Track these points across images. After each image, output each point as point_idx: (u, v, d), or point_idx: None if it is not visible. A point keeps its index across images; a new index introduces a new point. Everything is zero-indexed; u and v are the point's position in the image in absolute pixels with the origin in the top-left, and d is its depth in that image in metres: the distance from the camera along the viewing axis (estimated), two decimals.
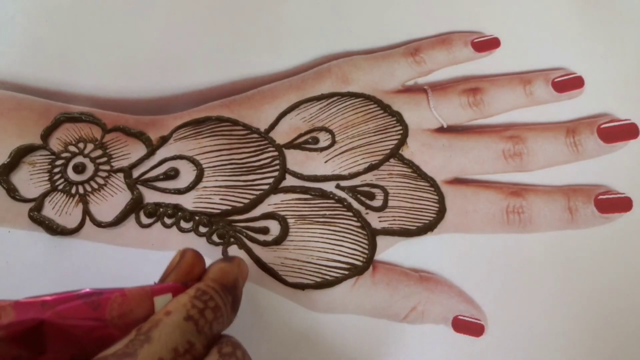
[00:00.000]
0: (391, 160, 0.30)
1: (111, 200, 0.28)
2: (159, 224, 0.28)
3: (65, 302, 0.17)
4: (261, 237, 0.28)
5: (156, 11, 0.34)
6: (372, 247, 0.28)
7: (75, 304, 0.17)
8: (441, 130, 0.31)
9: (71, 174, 0.29)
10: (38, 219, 0.28)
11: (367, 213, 0.29)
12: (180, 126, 0.30)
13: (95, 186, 0.28)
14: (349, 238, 0.29)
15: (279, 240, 0.28)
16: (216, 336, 0.19)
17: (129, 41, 0.33)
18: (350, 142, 0.30)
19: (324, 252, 0.28)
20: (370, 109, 0.31)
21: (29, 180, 0.28)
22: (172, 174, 0.29)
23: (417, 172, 0.30)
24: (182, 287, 0.19)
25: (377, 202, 0.29)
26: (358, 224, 0.29)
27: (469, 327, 0.28)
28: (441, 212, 0.29)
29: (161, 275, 0.21)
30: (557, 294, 0.29)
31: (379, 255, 0.29)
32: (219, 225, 0.28)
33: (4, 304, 0.16)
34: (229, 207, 0.28)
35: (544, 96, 0.31)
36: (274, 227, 0.28)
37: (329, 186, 0.29)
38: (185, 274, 0.20)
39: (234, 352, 0.18)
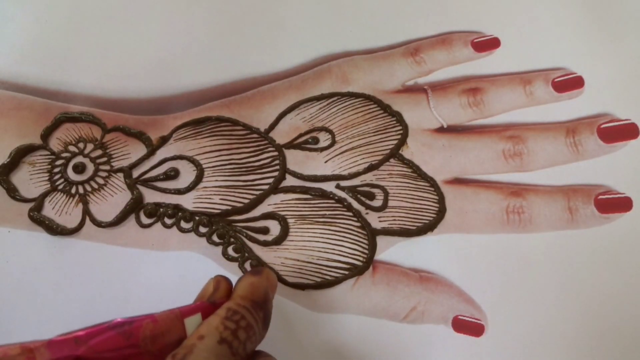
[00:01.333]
0: (391, 160, 0.30)
1: (111, 200, 0.28)
2: (159, 224, 0.28)
3: (98, 336, 0.17)
4: (261, 237, 0.28)
5: (156, 11, 0.34)
6: (372, 247, 0.28)
7: (108, 336, 0.17)
8: (441, 130, 0.31)
9: (71, 174, 0.29)
10: (38, 219, 0.28)
11: (367, 213, 0.29)
12: (180, 126, 0.30)
13: (95, 186, 0.28)
14: (349, 238, 0.29)
15: (279, 240, 0.28)
16: (250, 355, 0.19)
17: (129, 41, 0.33)
18: (350, 142, 0.30)
19: (324, 252, 0.28)
20: (370, 109, 0.31)
21: (29, 180, 0.28)
22: (172, 174, 0.29)
23: (417, 172, 0.30)
24: (210, 306, 0.19)
25: (377, 202, 0.29)
26: (358, 224, 0.29)
27: (469, 327, 0.28)
28: (441, 212, 0.29)
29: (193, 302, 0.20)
30: (557, 294, 0.29)
31: (379, 255, 0.29)
32: (219, 225, 0.28)
33: (38, 344, 0.16)
34: (229, 207, 0.28)
35: (544, 96, 0.31)
36: (274, 227, 0.28)
37: (329, 186, 0.29)
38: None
39: None
